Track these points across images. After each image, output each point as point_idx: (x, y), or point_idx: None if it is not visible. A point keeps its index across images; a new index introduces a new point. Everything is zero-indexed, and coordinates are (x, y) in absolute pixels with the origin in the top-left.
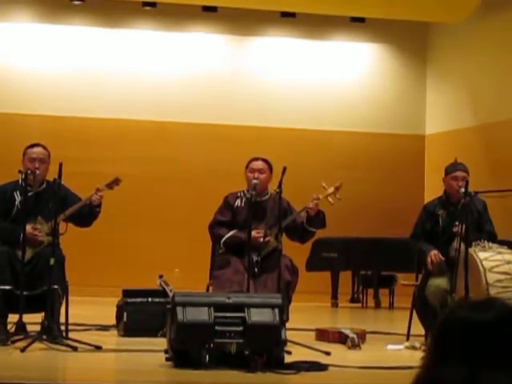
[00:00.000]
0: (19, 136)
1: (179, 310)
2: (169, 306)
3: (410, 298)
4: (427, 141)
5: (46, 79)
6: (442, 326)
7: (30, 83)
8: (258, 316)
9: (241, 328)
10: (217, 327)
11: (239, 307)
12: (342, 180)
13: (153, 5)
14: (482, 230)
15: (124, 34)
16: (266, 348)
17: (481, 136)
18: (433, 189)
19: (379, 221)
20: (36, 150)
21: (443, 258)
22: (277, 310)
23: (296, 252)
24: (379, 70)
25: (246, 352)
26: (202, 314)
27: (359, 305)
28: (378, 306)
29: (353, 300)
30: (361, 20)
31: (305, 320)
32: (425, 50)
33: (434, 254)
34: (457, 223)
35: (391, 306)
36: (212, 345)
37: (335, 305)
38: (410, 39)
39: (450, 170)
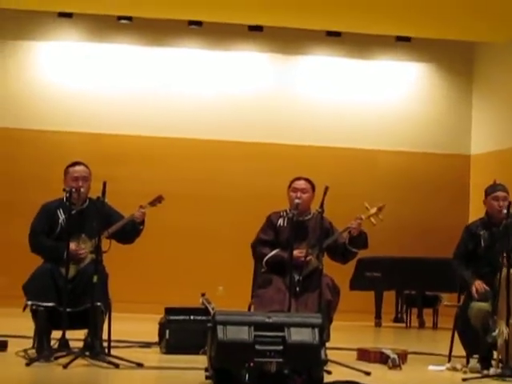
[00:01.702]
0: (61, 154)
1: (220, 328)
2: (209, 325)
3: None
4: (472, 161)
5: (91, 97)
6: None
7: (74, 101)
8: (297, 335)
9: (280, 347)
10: (257, 346)
11: (279, 326)
12: (387, 199)
13: (199, 24)
14: None
15: (170, 53)
16: (305, 367)
17: None
18: (478, 209)
19: (423, 241)
20: (78, 168)
21: (488, 288)
22: (317, 330)
23: (339, 271)
24: (424, 89)
25: (286, 371)
26: (242, 333)
27: (403, 325)
28: (421, 326)
29: (396, 320)
30: (406, 39)
31: (347, 339)
32: (471, 70)
33: (478, 284)
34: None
35: (435, 327)
36: (252, 364)
37: (379, 324)
38: (456, 58)
39: (490, 191)
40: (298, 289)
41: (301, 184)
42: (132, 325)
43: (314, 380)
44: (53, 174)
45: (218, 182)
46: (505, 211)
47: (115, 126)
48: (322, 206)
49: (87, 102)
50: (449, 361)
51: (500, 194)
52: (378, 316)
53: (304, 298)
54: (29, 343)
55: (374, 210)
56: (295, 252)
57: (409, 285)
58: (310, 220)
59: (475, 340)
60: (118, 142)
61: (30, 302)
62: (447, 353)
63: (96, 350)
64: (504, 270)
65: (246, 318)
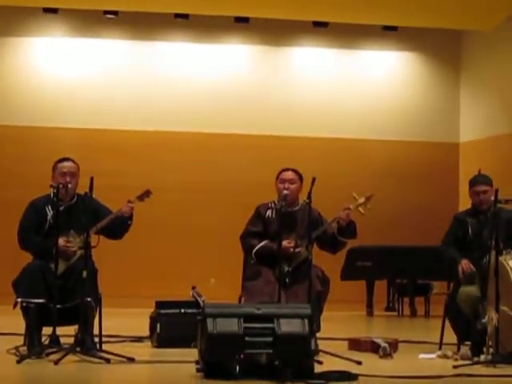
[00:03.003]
0: (50, 149)
1: (209, 321)
2: (199, 317)
3: None
4: (461, 148)
5: (77, 92)
6: None
7: (60, 96)
8: (287, 326)
9: (270, 338)
10: (246, 338)
11: (268, 318)
12: (375, 189)
13: (185, 17)
14: None
15: (157, 46)
16: (295, 358)
17: None
18: (467, 197)
19: (413, 229)
20: (66, 164)
21: (474, 269)
22: (306, 320)
23: (330, 261)
24: (412, 78)
25: (276, 362)
26: (232, 325)
27: (395, 313)
28: (413, 314)
29: (388, 309)
30: (393, 29)
31: (339, 329)
32: (458, 58)
33: (464, 264)
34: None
35: (427, 315)
36: (242, 355)
37: (370, 313)
38: (443, 47)
39: (472, 184)
40: (287, 280)
41: (288, 175)
42: (123, 319)
43: (305, 370)
44: (37, 170)
45: (206, 174)
46: (492, 198)
47: (102, 120)
48: (309, 196)
49: (73, 98)
50: (440, 348)
51: (478, 188)
52: (370, 305)
53: (294, 289)
54: (20, 340)
55: (362, 200)
56: (284, 243)
57: (400, 273)
58: (299, 211)
59: (466, 326)
60: (105, 137)
61: (20, 299)
62: (438, 341)
63: (87, 345)
64: (492, 256)
65: (235, 310)
